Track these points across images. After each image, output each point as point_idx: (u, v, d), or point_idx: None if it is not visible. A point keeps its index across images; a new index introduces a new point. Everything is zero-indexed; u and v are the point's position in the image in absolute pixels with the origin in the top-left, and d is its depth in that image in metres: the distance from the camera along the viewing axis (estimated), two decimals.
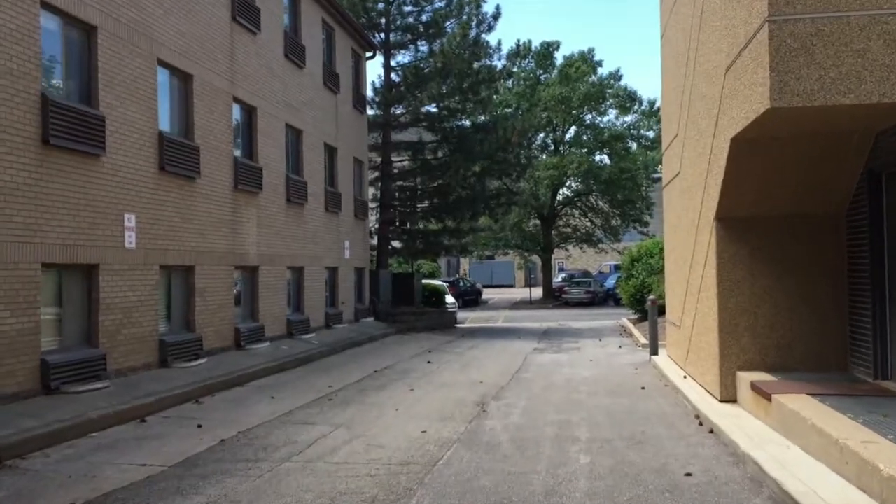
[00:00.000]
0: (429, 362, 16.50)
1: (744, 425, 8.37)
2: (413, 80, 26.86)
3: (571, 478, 6.78)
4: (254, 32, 16.07)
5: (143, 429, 9.22)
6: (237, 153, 15.47)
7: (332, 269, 21.47)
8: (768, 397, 8.20)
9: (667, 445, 7.99)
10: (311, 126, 19.62)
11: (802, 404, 7.44)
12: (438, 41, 25.94)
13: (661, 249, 27.20)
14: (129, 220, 11.36)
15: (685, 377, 12.45)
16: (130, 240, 11.37)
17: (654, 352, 16.17)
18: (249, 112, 16.16)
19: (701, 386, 11.29)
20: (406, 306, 27.21)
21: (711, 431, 8.61)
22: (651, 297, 16.48)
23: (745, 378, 9.53)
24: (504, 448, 8.01)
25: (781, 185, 9.40)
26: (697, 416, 9.60)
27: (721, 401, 10.01)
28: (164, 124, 12.75)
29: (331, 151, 21.50)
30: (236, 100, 15.33)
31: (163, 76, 12.68)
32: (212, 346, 13.93)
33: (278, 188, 17.29)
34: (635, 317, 28.49)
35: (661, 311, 17.59)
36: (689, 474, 6.73)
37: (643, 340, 19.92)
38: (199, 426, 9.30)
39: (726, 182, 9.55)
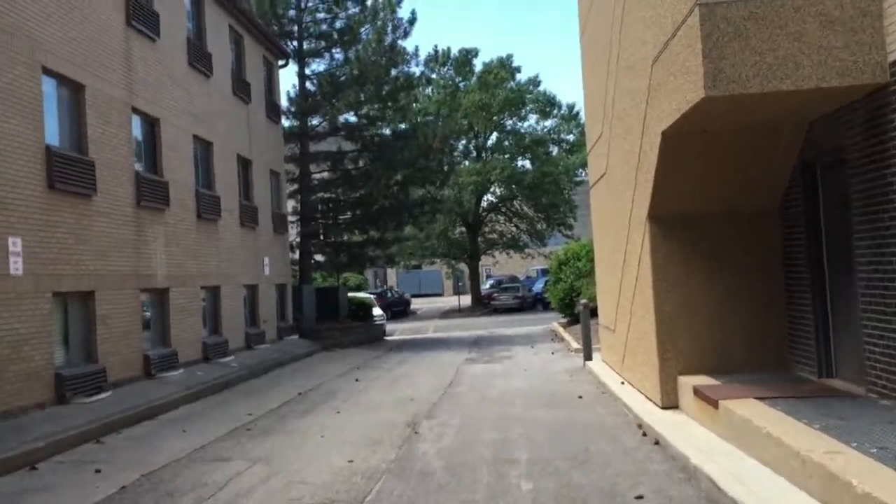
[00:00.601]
0: (356, 380, 15.71)
1: (691, 434, 7.90)
2: (329, 89, 26.04)
3: None
4: (153, 39, 15.01)
5: (31, 479, 8.17)
6: (139, 167, 14.38)
7: (251, 287, 20.42)
8: (714, 403, 7.74)
9: (613, 462, 7.43)
10: (222, 137, 18.60)
11: (752, 410, 6.98)
12: (354, 48, 25.18)
13: (589, 252, 27.08)
14: (14, 245, 10.25)
15: (623, 383, 12.02)
16: (16, 266, 10.25)
17: (589, 357, 15.76)
18: (152, 124, 15.09)
19: (641, 392, 10.85)
20: (332, 321, 26.30)
21: (657, 443, 8.11)
22: (582, 300, 16.07)
23: (686, 383, 9.10)
24: (438, 476, 7.31)
25: (714, 181, 9.02)
26: (640, 426, 9.12)
27: (663, 407, 9.57)
28: (53, 138, 11.64)
29: (244, 164, 20.48)
30: (136, 110, 14.24)
31: (49, 85, 11.58)
32: (118, 377, 12.82)
33: (188, 203, 16.24)
34: (565, 321, 28.27)
35: (594, 313, 17.22)
36: (640, 497, 6.16)
37: (575, 345, 19.57)
38: (98, 471, 8.30)
39: (657, 179, 9.13)
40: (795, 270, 9.03)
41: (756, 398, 7.52)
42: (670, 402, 9.57)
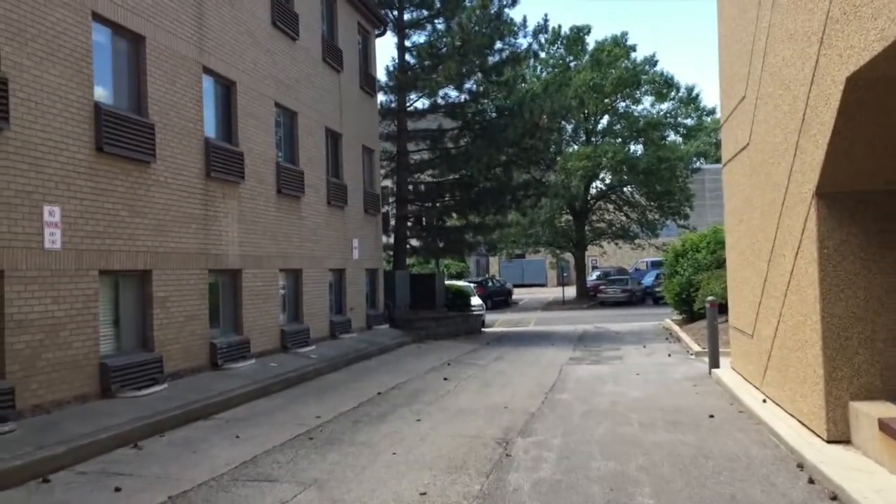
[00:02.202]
0: (445, 379, 13.95)
1: (884, 489, 5.69)
2: (429, 62, 24.29)
3: None
4: None
5: (37, 495, 6.74)
6: (210, 134, 13.01)
7: (337, 272, 18.98)
8: None
9: None
10: (309, 107, 17.14)
11: None
12: (457, 16, 23.25)
13: (710, 243, 24.44)
14: (51, 214, 8.93)
15: (765, 401, 9.76)
16: (53, 238, 8.93)
17: (715, 364, 13.45)
18: (227, 87, 13.71)
19: (792, 416, 8.60)
20: (427, 310, 24.65)
21: (835, 499, 5.93)
22: (709, 298, 13.73)
23: (865, 412, 6.85)
24: None
25: None
26: (801, 466, 6.92)
27: (828, 440, 7.35)
28: (105, 95, 10.31)
29: (334, 137, 19.00)
30: (208, 70, 12.85)
31: (101, 34, 10.23)
32: (177, 368, 11.49)
33: (266, 178, 14.83)
34: (680, 318, 25.76)
35: (722, 310, 14.83)
36: None
37: (695, 347, 17.20)
38: (118, 489, 6.80)
39: (834, 142, 6.86)
40: None
41: None
42: (839, 435, 7.35)
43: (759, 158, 10.06)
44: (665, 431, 8.83)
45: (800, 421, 8.32)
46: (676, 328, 23.10)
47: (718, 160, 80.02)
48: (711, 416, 9.58)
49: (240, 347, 13.32)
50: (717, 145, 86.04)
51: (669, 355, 17.15)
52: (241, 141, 13.82)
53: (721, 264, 23.23)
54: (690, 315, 24.14)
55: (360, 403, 11.31)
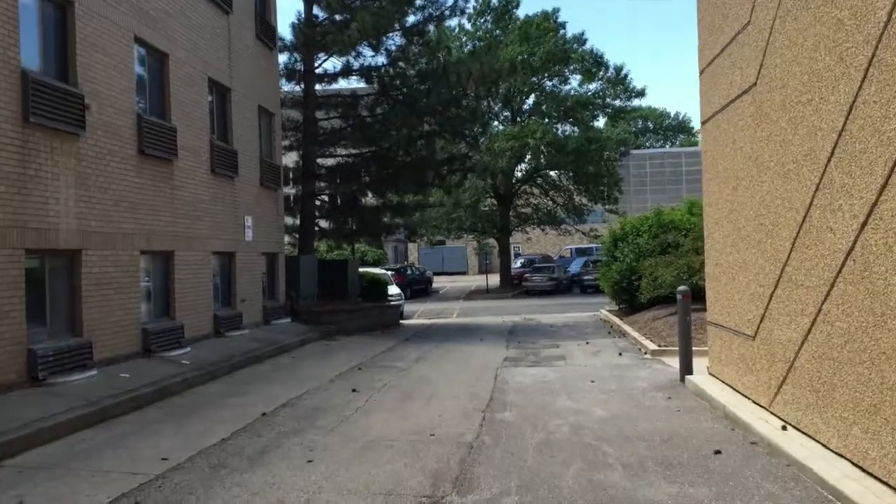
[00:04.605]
0: (354, 390, 10.97)
1: None
2: (341, 16, 21.07)
3: None
4: None
5: None
6: (31, 66, 9.59)
7: (225, 255, 15.64)
8: None
9: None
10: (185, 50, 13.74)
11: None
12: None
13: (653, 227, 22.08)
14: None
15: (785, 428, 7.15)
16: None
17: (688, 369, 10.88)
18: (62, 6, 10.28)
19: (842, 456, 5.98)
20: (338, 301, 21.52)
21: None
22: (682, 288, 11.13)
23: None
24: None
25: None
26: None
27: None
28: None
29: (221, 92, 15.61)
30: None
31: None
32: None
33: (122, 132, 11.44)
34: (617, 308, 23.46)
35: (695, 301, 12.27)
36: None
37: (648, 345, 14.70)
38: None
39: None
40: None
41: None
42: None
43: (777, 99, 7.39)
44: (664, 480, 6.09)
45: (860, 467, 5.71)
46: (617, 320, 20.70)
47: (639, 147, 79.02)
48: (718, 452, 6.89)
49: (76, 354, 9.96)
50: (639, 133, 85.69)
51: (620, 354, 14.59)
52: (81, 81, 10.40)
53: (665, 250, 20.94)
54: (631, 306, 21.83)
55: (234, 433, 8.23)
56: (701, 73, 10.60)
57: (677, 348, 13.46)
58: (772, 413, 7.79)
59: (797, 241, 6.94)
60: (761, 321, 8.09)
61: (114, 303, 11.06)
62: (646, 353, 14.41)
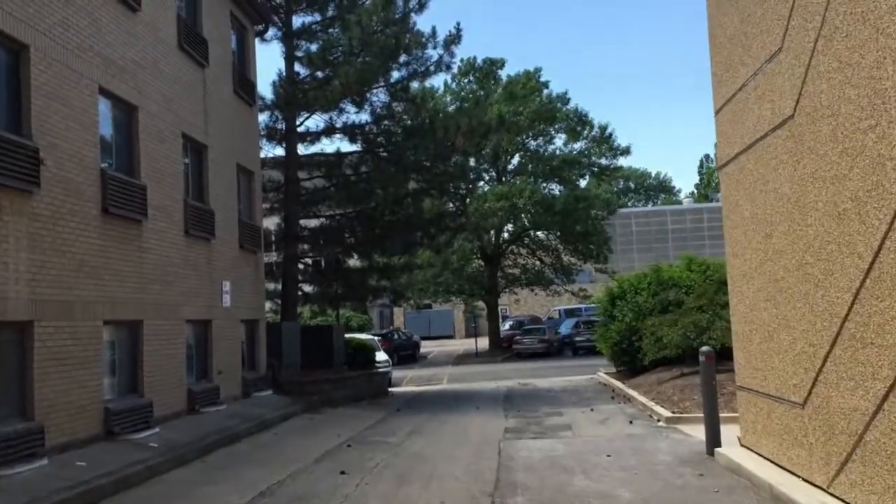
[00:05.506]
0: (343, 473, 9.72)
1: None
2: (323, 72, 20.33)
3: None
4: None
5: None
6: None
7: (201, 324, 14.42)
8: None
9: None
10: (157, 104, 12.79)
11: None
12: (355, 13, 19.35)
13: (652, 284, 21.15)
14: None
15: None
16: None
17: (716, 441, 9.74)
18: (15, 52, 9.31)
19: None
20: (322, 370, 20.23)
21: None
22: (705, 349, 10.08)
23: None
24: None
25: None
26: None
27: None
28: None
29: (197, 149, 14.62)
30: None
31: None
32: None
33: (83, 189, 10.37)
34: (615, 371, 22.39)
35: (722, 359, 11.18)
36: None
37: (661, 411, 13.56)
38: None
39: None
40: None
41: None
42: None
43: (825, 130, 6.48)
44: None
45: None
46: (618, 384, 19.57)
47: (623, 206, 78.71)
48: None
49: (25, 441, 8.68)
50: (621, 193, 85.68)
51: (631, 422, 13.45)
52: (36, 133, 9.38)
53: (666, 308, 19.96)
54: (632, 368, 20.74)
55: None
56: (717, 112, 9.76)
57: (695, 415, 12.45)
58: (831, 494, 6.66)
59: (861, 292, 5.94)
60: (813, 386, 7.02)
61: (72, 380, 9.82)
62: (659, 421, 13.26)
